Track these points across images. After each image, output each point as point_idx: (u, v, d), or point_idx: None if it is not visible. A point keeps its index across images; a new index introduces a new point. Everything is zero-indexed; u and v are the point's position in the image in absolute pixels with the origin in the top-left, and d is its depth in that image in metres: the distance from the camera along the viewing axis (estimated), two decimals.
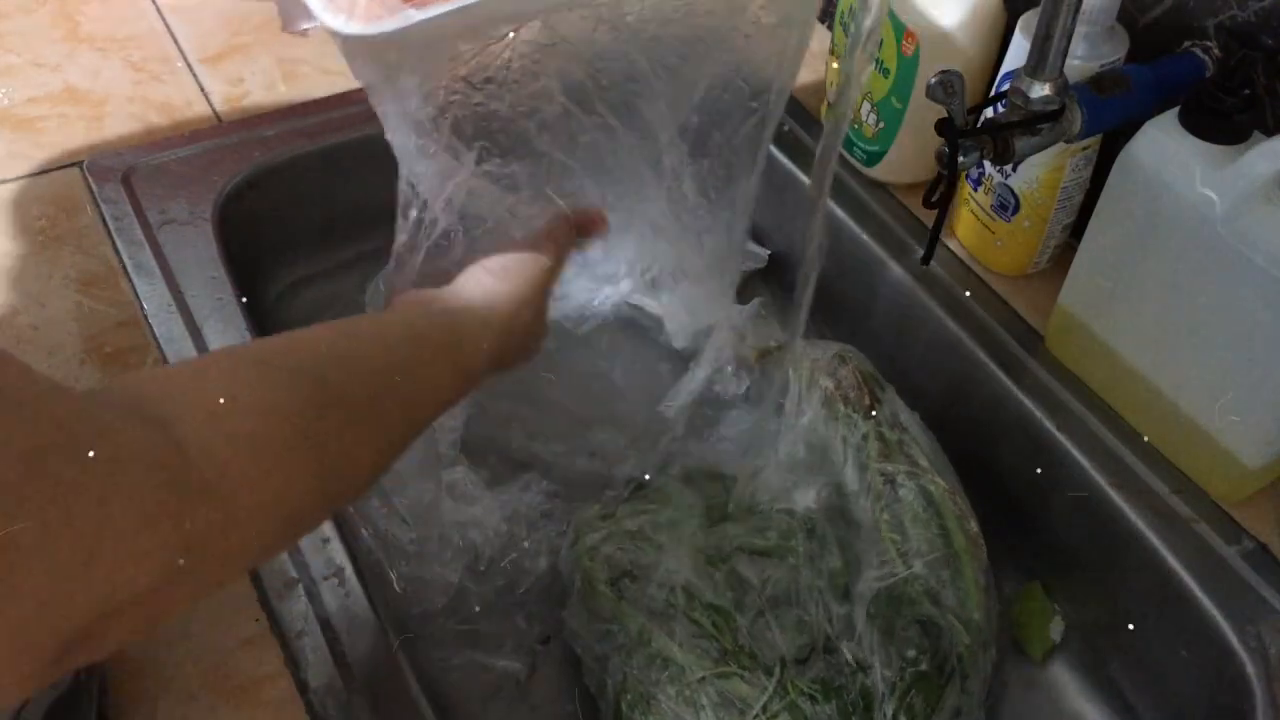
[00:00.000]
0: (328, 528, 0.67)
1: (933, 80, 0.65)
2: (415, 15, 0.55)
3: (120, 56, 0.99)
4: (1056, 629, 0.78)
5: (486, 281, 0.65)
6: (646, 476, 0.82)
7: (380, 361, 0.54)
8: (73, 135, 0.91)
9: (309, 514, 0.49)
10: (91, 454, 0.36)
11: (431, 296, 0.65)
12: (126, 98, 0.95)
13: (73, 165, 0.88)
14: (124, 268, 0.81)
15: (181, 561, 0.39)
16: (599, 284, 0.96)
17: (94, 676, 0.58)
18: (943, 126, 0.66)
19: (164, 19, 1.04)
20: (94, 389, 0.42)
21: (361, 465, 0.51)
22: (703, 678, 0.66)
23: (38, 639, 0.36)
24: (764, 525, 0.76)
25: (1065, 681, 0.77)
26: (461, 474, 0.80)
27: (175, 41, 1.01)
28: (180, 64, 0.99)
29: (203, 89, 0.96)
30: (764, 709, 0.65)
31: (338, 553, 0.66)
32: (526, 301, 0.65)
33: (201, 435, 0.41)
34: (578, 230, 0.71)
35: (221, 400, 0.43)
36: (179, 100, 0.95)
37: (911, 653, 0.68)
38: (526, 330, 0.66)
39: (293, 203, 0.93)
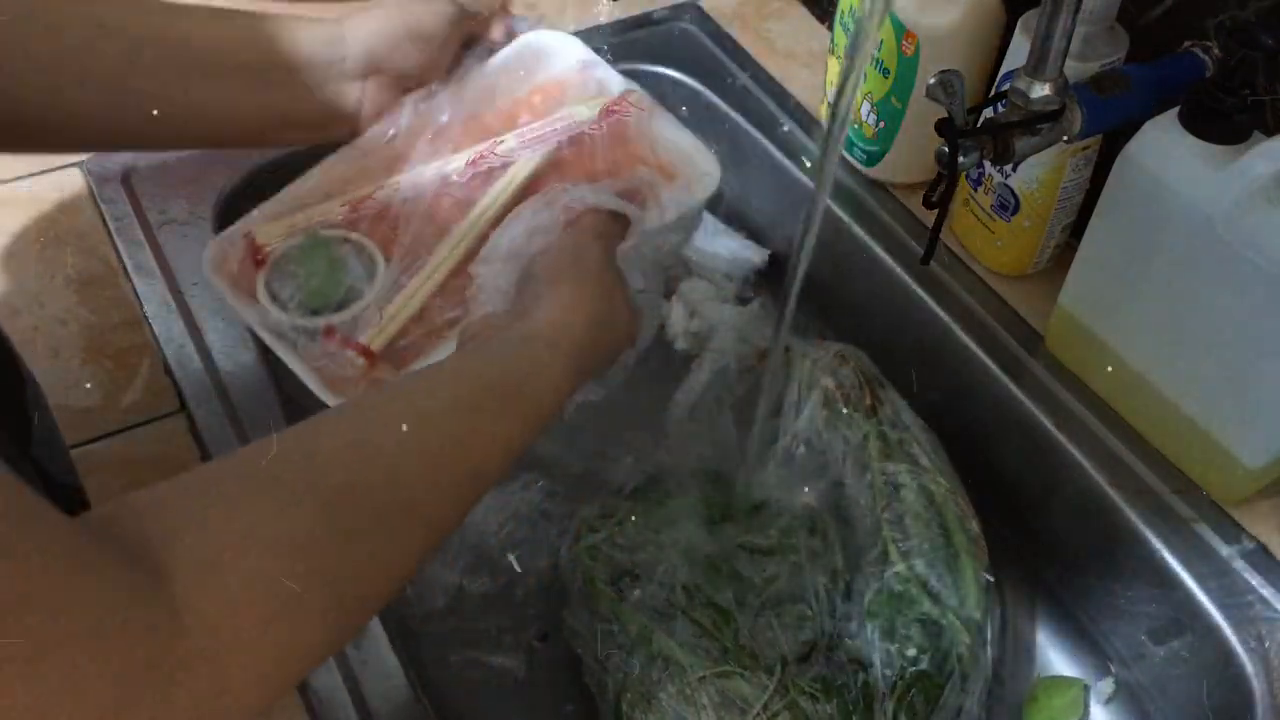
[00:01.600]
0: None
1: (932, 80, 0.65)
2: None
3: None
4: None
5: (542, 292, 0.58)
6: (647, 476, 0.82)
7: (425, 446, 0.47)
8: None
9: (310, 662, 0.44)
10: (73, 609, 0.32)
11: (486, 336, 0.58)
12: None
13: (73, 165, 0.88)
14: (124, 268, 0.81)
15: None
16: None
17: None
18: (943, 126, 0.66)
19: None
20: (92, 515, 0.39)
21: (387, 580, 0.46)
22: (703, 677, 0.66)
23: None
24: (765, 524, 0.76)
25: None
26: None
27: None
28: None
29: None
30: (765, 708, 0.65)
31: None
32: (594, 294, 0.58)
33: (199, 595, 0.37)
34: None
35: (225, 546, 0.39)
36: None
37: (912, 652, 0.68)
38: (607, 323, 0.59)
39: None
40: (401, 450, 0.46)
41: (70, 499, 0.65)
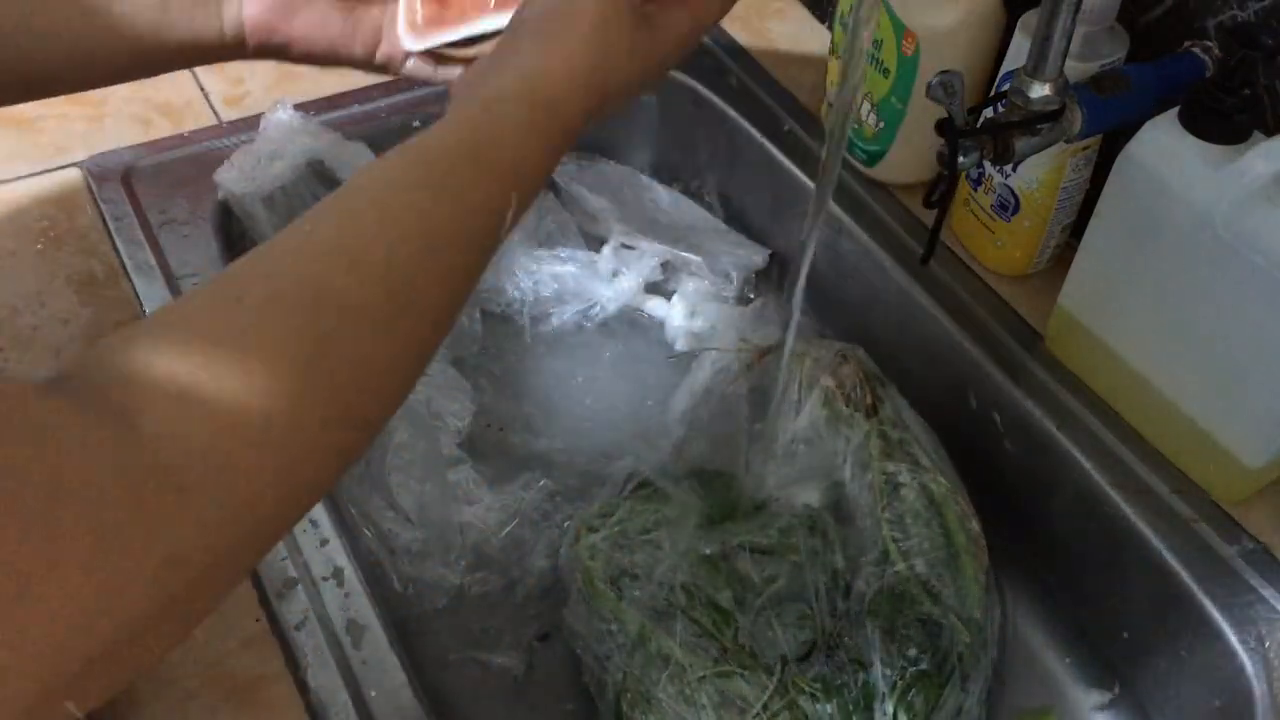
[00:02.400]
0: (328, 528, 0.67)
1: (933, 80, 0.65)
2: None
3: None
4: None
5: (521, 44, 0.51)
6: (647, 475, 0.82)
7: (401, 231, 0.43)
8: (73, 136, 0.91)
9: (323, 478, 0.41)
10: (41, 461, 0.31)
11: (484, 70, 0.52)
12: (126, 98, 0.95)
13: (73, 165, 0.88)
14: (124, 268, 0.81)
15: (167, 582, 0.33)
16: (601, 285, 0.96)
17: None
18: (943, 126, 0.66)
19: None
20: (52, 376, 0.36)
21: (391, 380, 0.42)
22: (703, 677, 0.66)
23: (19, 684, 0.30)
24: (765, 523, 0.76)
25: (1066, 680, 0.77)
26: (464, 473, 0.80)
27: None
28: None
29: (203, 89, 0.96)
30: (764, 708, 0.65)
31: (338, 553, 0.66)
32: (583, 36, 0.51)
33: (173, 423, 0.34)
34: None
35: (196, 367, 0.35)
36: (179, 100, 0.95)
37: (912, 651, 0.68)
38: (600, 67, 0.51)
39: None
40: (372, 239, 0.42)
41: None
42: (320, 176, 0.87)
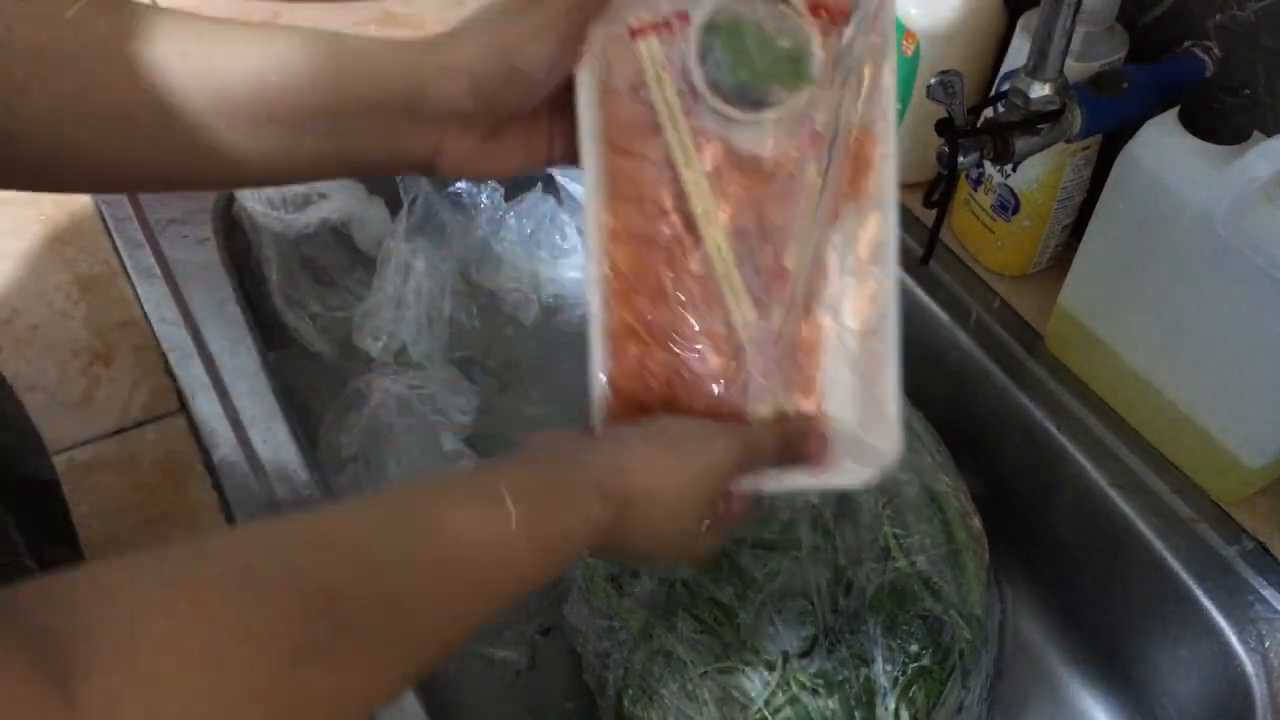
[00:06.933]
0: None
1: (933, 81, 0.65)
2: None
3: None
4: None
5: (633, 442, 0.49)
6: None
7: (413, 554, 0.40)
8: None
9: None
10: None
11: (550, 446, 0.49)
12: None
13: None
14: (124, 269, 0.81)
15: None
16: None
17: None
18: (942, 127, 0.66)
19: None
20: (9, 593, 0.31)
21: (366, 698, 0.38)
22: (704, 673, 0.66)
23: None
24: (767, 519, 0.76)
25: (1066, 679, 0.77)
26: (468, 467, 0.81)
27: None
28: None
29: None
30: (766, 704, 0.65)
31: None
32: (685, 478, 0.48)
33: (115, 702, 0.30)
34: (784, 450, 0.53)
35: (161, 649, 0.31)
36: None
37: (914, 647, 0.68)
38: (670, 515, 0.49)
39: None
40: (393, 556, 0.39)
41: (47, 495, 0.65)
42: None
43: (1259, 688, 0.65)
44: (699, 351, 0.53)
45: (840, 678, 0.67)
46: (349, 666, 0.36)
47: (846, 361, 0.53)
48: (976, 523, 0.75)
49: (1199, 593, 0.68)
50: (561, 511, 0.45)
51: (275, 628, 0.34)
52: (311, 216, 0.88)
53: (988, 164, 0.78)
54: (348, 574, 0.37)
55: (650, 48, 0.51)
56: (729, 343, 0.53)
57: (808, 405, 0.53)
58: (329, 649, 0.35)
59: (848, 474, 0.52)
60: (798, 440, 0.53)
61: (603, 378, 0.52)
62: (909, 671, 0.67)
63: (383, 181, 0.91)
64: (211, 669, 0.31)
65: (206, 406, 0.73)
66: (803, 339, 0.53)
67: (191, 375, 0.74)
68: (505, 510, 0.42)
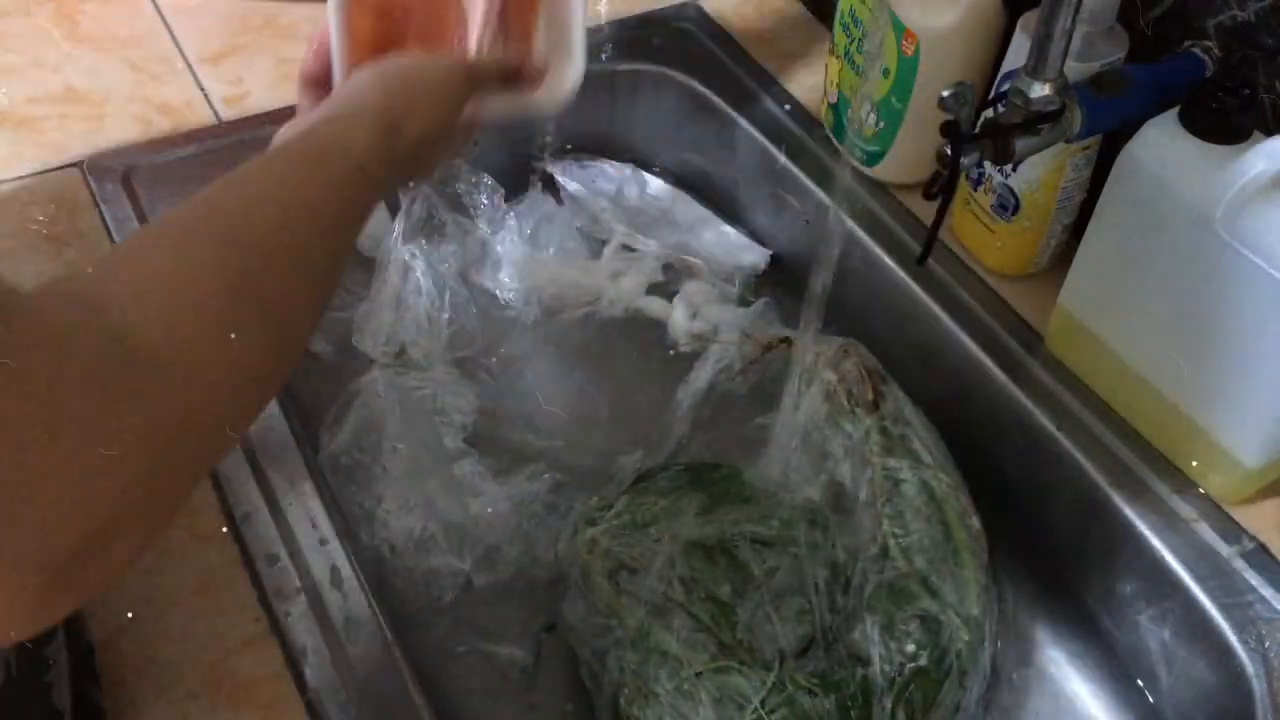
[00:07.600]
0: (326, 529, 0.67)
1: (945, 93, 0.65)
2: None
3: (120, 56, 0.99)
4: None
5: (369, 77, 0.59)
6: (647, 469, 0.82)
7: (283, 198, 0.51)
8: (73, 135, 0.91)
9: (268, 372, 0.47)
10: (32, 342, 0.34)
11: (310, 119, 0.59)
12: (126, 98, 0.95)
13: (73, 165, 0.88)
14: None
15: (153, 450, 0.37)
16: (602, 287, 0.96)
17: (66, 645, 0.56)
18: (948, 130, 0.66)
19: (164, 19, 1.04)
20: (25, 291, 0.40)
21: (303, 307, 0.49)
22: (701, 672, 0.66)
23: (24, 564, 0.33)
24: (767, 514, 0.76)
25: (1065, 679, 0.77)
26: (469, 466, 0.81)
27: (175, 41, 1.01)
28: (180, 64, 0.99)
29: (203, 89, 0.96)
30: (763, 703, 0.65)
31: (337, 553, 0.66)
32: (433, 85, 0.58)
33: (137, 312, 0.39)
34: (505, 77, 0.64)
35: (148, 276, 0.41)
36: (179, 100, 0.95)
37: (911, 648, 0.68)
38: (431, 117, 0.58)
39: None
40: (271, 201, 0.50)
41: None
42: None
43: (1259, 688, 0.65)
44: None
45: (837, 678, 0.67)
46: (281, 273, 0.47)
47: (546, 12, 0.67)
48: (976, 522, 0.75)
49: (1199, 593, 0.68)
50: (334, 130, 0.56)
51: (220, 261, 0.44)
52: None
53: (988, 164, 0.78)
54: (265, 213, 0.49)
55: None
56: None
57: (523, 48, 0.66)
58: (261, 267, 0.46)
59: (550, 93, 0.66)
60: (514, 70, 0.65)
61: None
62: (906, 672, 0.67)
63: None
64: (189, 284, 0.42)
65: None
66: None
67: None
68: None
